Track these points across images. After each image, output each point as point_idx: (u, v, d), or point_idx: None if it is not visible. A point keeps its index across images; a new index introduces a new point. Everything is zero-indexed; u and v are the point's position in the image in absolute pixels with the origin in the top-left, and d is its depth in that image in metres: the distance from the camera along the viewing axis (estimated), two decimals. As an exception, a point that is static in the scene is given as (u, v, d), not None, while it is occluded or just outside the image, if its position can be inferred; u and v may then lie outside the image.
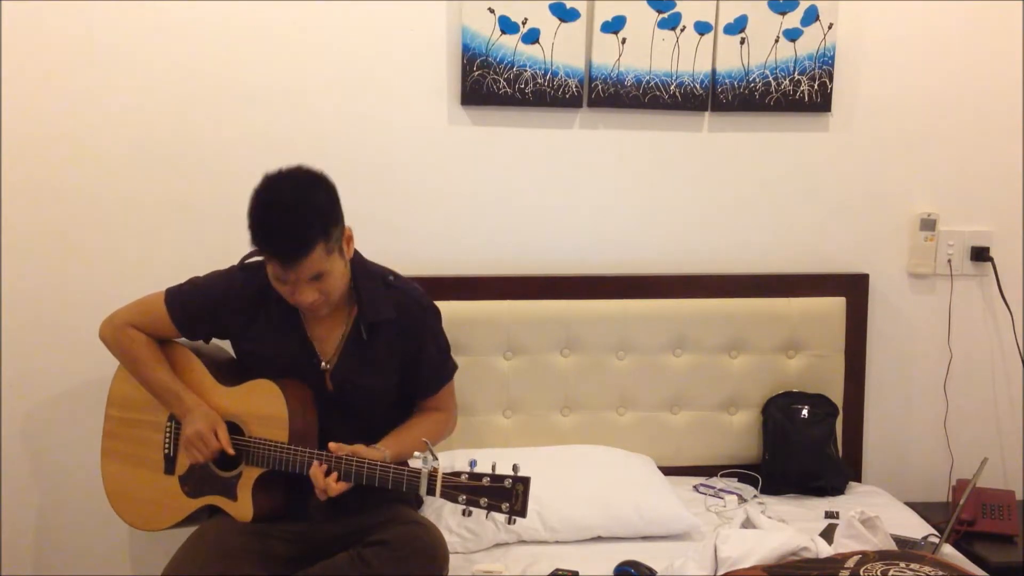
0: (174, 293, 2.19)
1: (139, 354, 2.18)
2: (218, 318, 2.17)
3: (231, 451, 2.07)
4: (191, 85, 2.56)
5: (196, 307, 2.17)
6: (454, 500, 1.91)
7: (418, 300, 2.21)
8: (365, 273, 2.16)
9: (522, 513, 1.89)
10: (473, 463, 1.94)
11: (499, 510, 1.89)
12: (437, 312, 2.26)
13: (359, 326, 2.14)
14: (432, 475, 1.92)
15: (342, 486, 1.99)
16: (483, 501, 1.89)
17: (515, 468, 1.91)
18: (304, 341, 2.14)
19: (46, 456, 2.65)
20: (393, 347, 2.16)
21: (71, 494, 2.65)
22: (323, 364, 2.14)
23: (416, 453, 1.95)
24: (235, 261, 2.24)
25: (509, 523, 1.92)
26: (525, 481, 1.89)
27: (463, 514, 1.93)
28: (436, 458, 1.94)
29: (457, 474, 1.92)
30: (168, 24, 2.52)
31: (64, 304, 2.59)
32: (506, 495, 1.89)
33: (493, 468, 1.92)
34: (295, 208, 1.95)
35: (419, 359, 2.20)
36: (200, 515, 2.14)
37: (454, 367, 2.30)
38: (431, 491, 1.93)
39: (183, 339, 2.25)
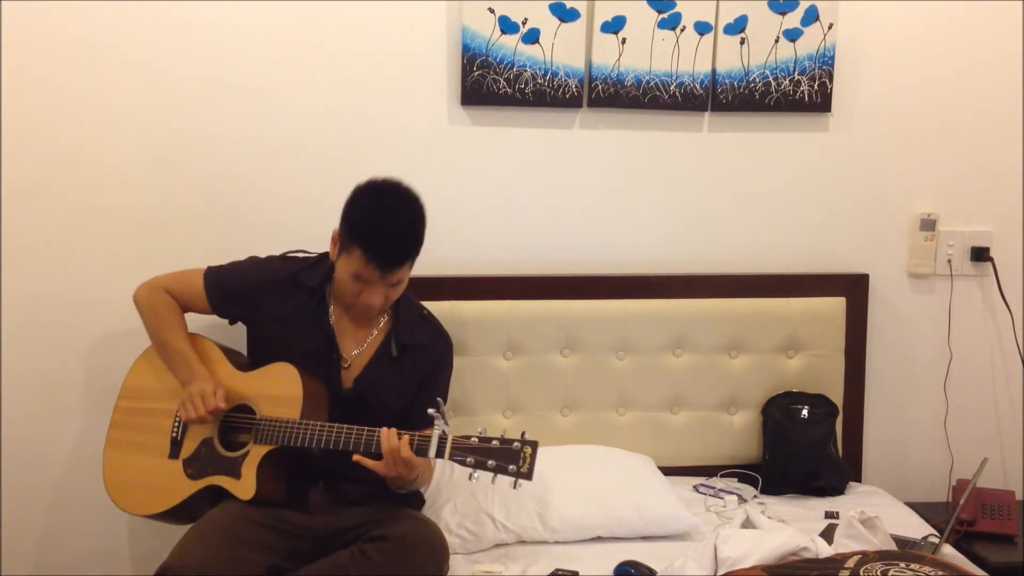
0: (214, 271, 2.29)
1: (166, 317, 2.25)
2: (250, 298, 2.24)
3: (223, 404, 2.11)
4: (191, 85, 2.55)
5: (232, 286, 2.26)
6: (462, 463, 1.95)
7: (445, 339, 2.34)
8: (407, 298, 2.27)
9: (528, 476, 1.93)
10: (483, 430, 1.99)
11: (506, 472, 1.92)
12: (452, 359, 2.37)
13: (390, 341, 2.21)
14: (442, 437, 1.96)
15: (411, 455, 1.99)
16: (490, 463, 1.93)
17: (523, 434, 1.95)
18: (329, 335, 2.19)
19: (46, 456, 2.64)
20: (415, 372, 2.24)
21: (71, 495, 2.65)
22: (344, 362, 2.19)
23: (430, 411, 1.98)
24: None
25: (515, 487, 1.94)
26: (533, 444, 1.94)
27: (469, 478, 1.95)
28: (447, 423, 1.98)
29: (467, 437, 1.97)
30: (168, 24, 2.52)
31: (64, 305, 2.58)
32: (514, 457, 1.92)
33: (503, 433, 1.96)
34: (409, 221, 2.11)
35: (424, 393, 2.24)
36: (199, 503, 2.14)
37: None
38: (440, 453, 1.96)
39: (205, 336, 2.30)
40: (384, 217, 2.07)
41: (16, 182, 2.53)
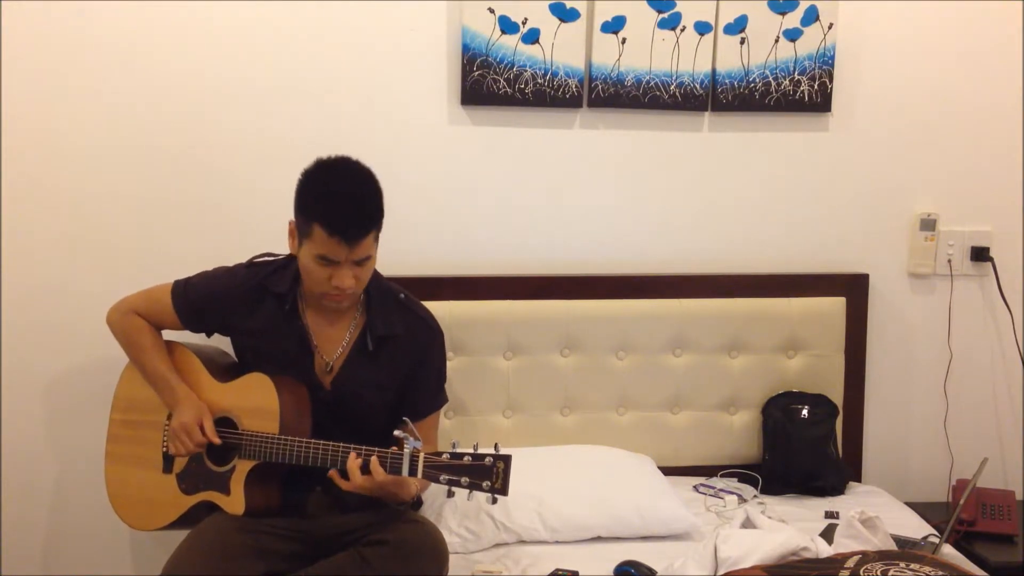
0: (180, 285, 2.24)
1: (140, 341, 2.22)
2: (220, 312, 2.19)
3: (216, 440, 2.09)
4: (191, 85, 2.56)
5: (200, 300, 2.21)
6: (436, 480, 1.91)
7: (427, 322, 2.24)
8: (378, 286, 2.21)
9: (503, 491, 1.88)
10: (455, 444, 1.94)
11: (480, 489, 1.88)
12: (443, 338, 2.29)
13: (366, 336, 2.15)
14: (414, 456, 1.92)
15: (364, 481, 1.96)
16: (464, 480, 1.89)
17: (496, 447, 1.91)
18: (304, 339, 2.15)
19: (48, 456, 2.65)
20: (396, 364, 2.18)
21: (72, 494, 2.66)
22: (326, 366, 2.15)
23: (396, 433, 1.95)
24: (235, 261, 2.26)
25: (492, 503, 1.91)
26: (506, 459, 1.88)
27: (447, 495, 1.92)
28: (418, 439, 1.95)
29: (439, 454, 1.92)
30: (168, 24, 2.52)
31: (64, 304, 2.58)
32: (487, 473, 1.88)
33: (475, 448, 1.92)
34: (363, 188, 2.04)
35: (416, 381, 2.21)
36: (198, 513, 2.14)
37: (445, 399, 2.32)
38: (412, 471, 1.92)
39: (185, 340, 2.26)
40: (339, 188, 2.02)
41: (16, 182, 2.53)
